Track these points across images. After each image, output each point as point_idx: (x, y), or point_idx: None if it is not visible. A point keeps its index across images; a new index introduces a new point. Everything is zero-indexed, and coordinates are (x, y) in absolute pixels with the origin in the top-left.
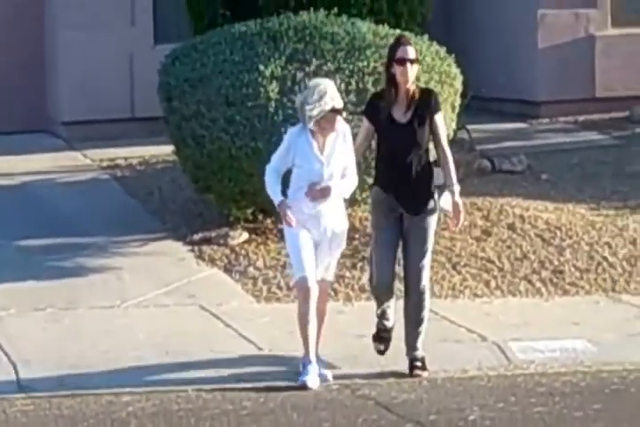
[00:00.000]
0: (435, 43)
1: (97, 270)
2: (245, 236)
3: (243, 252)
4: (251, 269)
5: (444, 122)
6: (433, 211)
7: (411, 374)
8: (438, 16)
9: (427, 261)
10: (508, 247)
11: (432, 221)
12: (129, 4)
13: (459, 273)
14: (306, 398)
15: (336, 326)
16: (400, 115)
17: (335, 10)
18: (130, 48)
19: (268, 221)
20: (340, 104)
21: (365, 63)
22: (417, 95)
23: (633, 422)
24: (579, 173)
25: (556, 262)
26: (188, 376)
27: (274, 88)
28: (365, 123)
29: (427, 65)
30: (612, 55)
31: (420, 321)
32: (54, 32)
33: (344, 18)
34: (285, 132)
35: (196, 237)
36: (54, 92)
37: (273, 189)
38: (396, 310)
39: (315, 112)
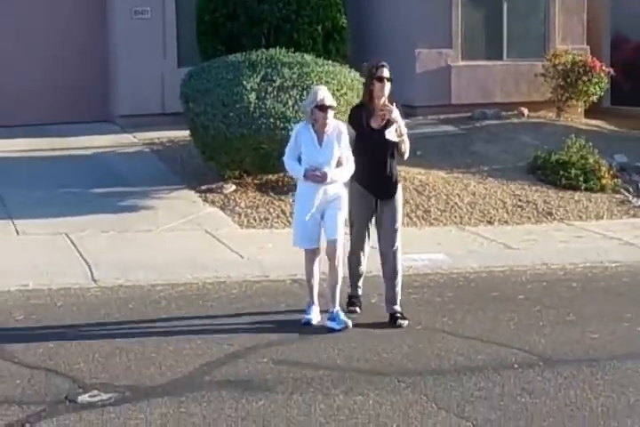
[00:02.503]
0: (352, 70)
1: (141, 208)
2: (234, 187)
3: (232, 197)
4: (237, 208)
5: None
6: (398, 195)
7: (394, 325)
8: (356, 51)
9: (398, 233)
10: None
11: (400, 202)
12: (161, 43)
13: None
14: (270, 287)
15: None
16: (375, 122)
17: (292, 49)
18: (162, 70)
19: (249, 178)
20: (329, 102)
21: (310, 82)
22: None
23: (472, 304)
24: (439, 150)
25: (425, 206)
26: (196, 273)
27: (253, 96)
28: (350, 129)
29: (348, 85)
30: (462, 78)
31: (395, 279)
32: (116, 58)
33: (296, 53)
34: (261, 124)
35: (203, 188)
36: (115, 95)
37: (293, 168)
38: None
39: (308, 108)
